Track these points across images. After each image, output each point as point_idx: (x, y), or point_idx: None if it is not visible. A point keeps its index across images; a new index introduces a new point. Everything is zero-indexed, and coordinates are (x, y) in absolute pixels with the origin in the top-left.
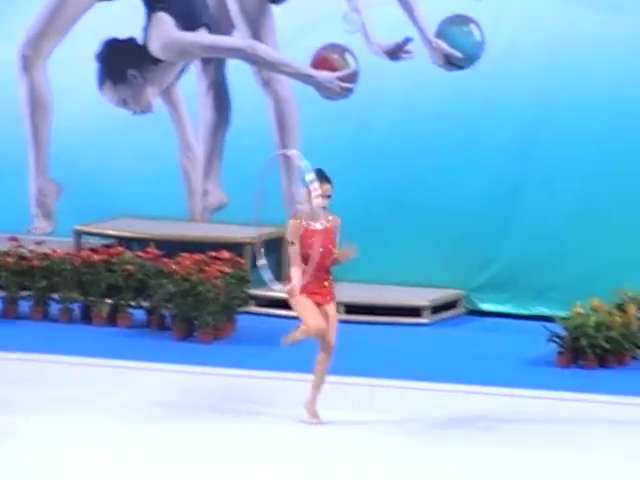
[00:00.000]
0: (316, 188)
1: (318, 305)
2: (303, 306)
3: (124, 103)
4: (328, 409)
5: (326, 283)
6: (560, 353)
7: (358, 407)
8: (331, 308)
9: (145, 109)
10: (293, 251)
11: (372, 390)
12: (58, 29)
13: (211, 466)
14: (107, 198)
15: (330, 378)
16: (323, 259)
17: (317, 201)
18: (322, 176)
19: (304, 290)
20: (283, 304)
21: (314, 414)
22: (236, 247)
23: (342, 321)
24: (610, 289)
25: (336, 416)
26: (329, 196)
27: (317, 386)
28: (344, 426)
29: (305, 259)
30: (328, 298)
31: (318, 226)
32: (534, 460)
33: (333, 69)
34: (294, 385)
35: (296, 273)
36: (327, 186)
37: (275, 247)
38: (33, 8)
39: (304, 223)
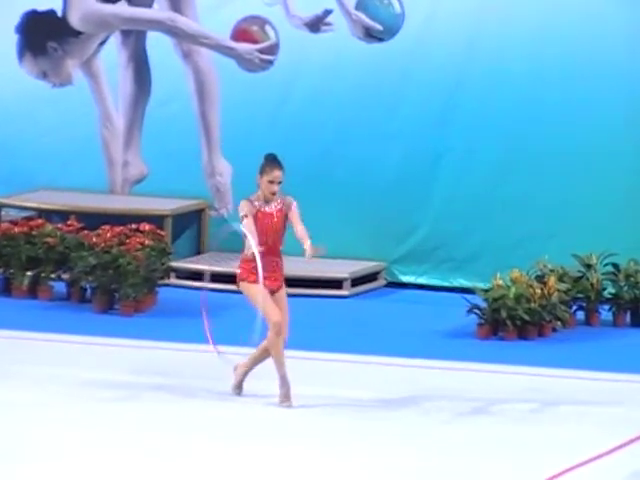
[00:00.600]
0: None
1: (271, 292)
2: (259, 297)
3: (44, 75)
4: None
5: (277, 266)
6: (480, 325)
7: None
8: (283, 293)
9: (65, 81)
10: (248, 222)
11: (290, 362)
12: None
13: (138, 438)
14: (27, 170)
15: (246, 350)
16: (275, 242)
17: (268, 186)
18: (273, 162)
19: (252, 270)
20: (201, 277)
21: (239, 385)
22: (157, 219)
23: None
24: (530, 260)
25: (251, 388)
26: (280, 182)
27: (255, 360)
28: (260, 399)
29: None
30: (280, 282)
31: (268, 209)
32: (450, 432)
33: (253, 41)
34: (212, 357)
35: (253, 240)
36: (278, 172)
37: (195, 219)
38: None
39: (256, 204)
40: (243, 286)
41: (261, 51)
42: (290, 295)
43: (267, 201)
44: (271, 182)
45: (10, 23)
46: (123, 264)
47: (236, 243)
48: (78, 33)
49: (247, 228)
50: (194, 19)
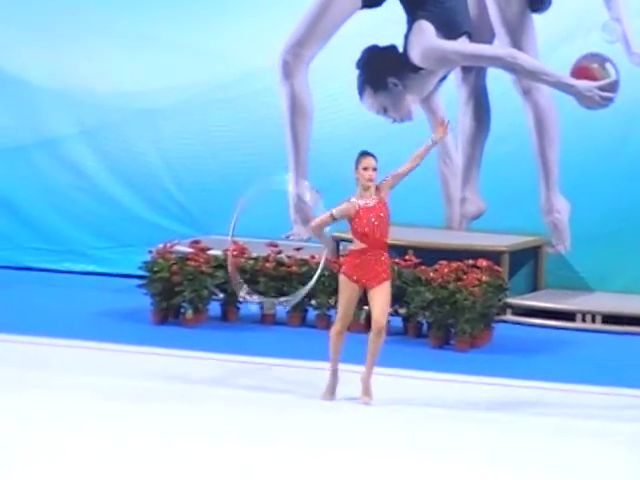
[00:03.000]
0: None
1: (368, 288)
2: (342, 295)
3: (384, 111)
4: (589, 418)
5: (382, 258)
6: None
7: (615, 417)
8: (384, 287)
9: (405, 117)
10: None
11: (631, 400)
12: (320, 36)
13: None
14: None
15: (586, 388)
16: (380, 235)
17: (362, 174)
18: (364, 153)
19: (357, 266)
20: (540, 313)
21: (366, 391)
22: (494, 255)
23: (599, 331)
24: None
25: (593, 424)
26: (375, 169)
27: (368, 364)
28: (606, 435)
29: (363, 237)
30: (383, 277)
31: (369, 203)
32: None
33: (593, 78)
34: (545, 394)
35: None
36: (370, 159)
37: (532, 256)
38: (295, 15)
39: (359, 202)
40: (341, 278)
41: (601, 88)
42: (627, 333)
43: (365, 195)
44: (365, 169)
45: (352, 58)
46: (460, 299)
47: (573, 280)
48: (418, 69)
49: (319, 221)
50: (534, 56)
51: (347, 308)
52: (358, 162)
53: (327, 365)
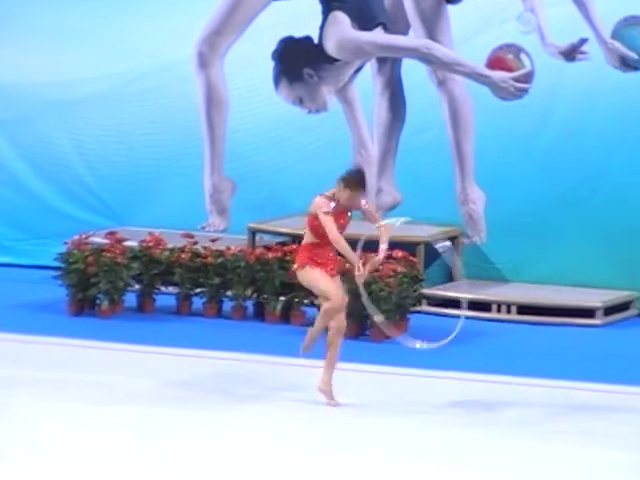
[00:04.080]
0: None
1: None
2: (320, 280)
3: (300, 102)
4: (501, 409)
5: (331, 254)
6: None
7: (532, 407)
8: (337, 279)
9: (321, 108)
10: (329, 221)
11: (540, 391)
12: (235, 27)
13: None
14: (281, 196)
15: (504, 378)
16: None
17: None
18: (359, 184)
19: (312, 257)
20: (456, 304)
21: (331, 395)
22: (409, 246)
23: (514, 322)
24: None
25: (505, 414)
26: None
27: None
28: (517, 425)
29: (321, 238)
30: (334, 268)
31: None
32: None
33: (509, 69)
34: (460, 384)
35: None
36: (364, 195)
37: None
38: (211, 6)
39: (332, 206)
40: (305, 269)
41: (516, 79)
42: (542, 324)
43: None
44: (355, 199)
45: (267, 49)
46: (375, 290)
47: (489, 271)
48: (334, 60)
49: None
50: (449, 47)
51: (330, 283)
52: (354, 189)
53: (244, 356)
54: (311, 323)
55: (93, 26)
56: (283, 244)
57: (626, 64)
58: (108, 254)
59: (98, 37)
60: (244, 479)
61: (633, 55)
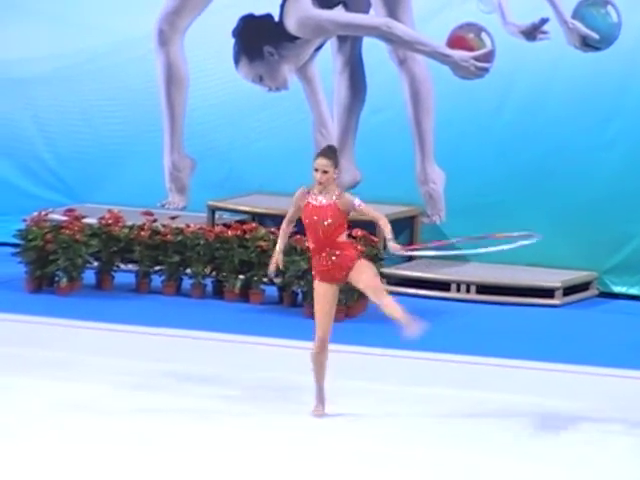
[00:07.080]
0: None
1: (331, 282)
2: (316, 306)
3: (260, 80)
4: (461, 388)
5: (334, 258)
6: None
7: (486, 387)
8: (360, 264)
9: (281, 86)
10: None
11: (501, 371)
12: (195, 5)
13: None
14: (241, 174)
15: (459, 357)
16: (328, 235)
17: (314, 175)
18: (321, 152)
19: (315, 268)
20: (415, 283)
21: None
22: (369, 225)
23: (474, 301)
24: None
25: (464, 394)
26: (325, 171)
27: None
28: (475, 405)
29: (305, 229)
30: (344, 272)
31: (318, 203)
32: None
33: (469, 48)
34: (415, 363)
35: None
36: (321, 160)
37: (407, 226)
38: None
39: (309, 195)
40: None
41: (477, 58)
42: (501, 303)
43: (321, 194)
44: (316, 170)
45: (227, 27)
46: None
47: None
48: (294, 38)
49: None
50: (410, 25)
51: (320, 312)
52: (313, 162)
53: (200, 334)
54: (271, 301)
55: (52, 4)
56: (242, 222)
57: (587, 44)
58: (67, 231)
59: (57, 15)
60: (187, 453)
61: (594, 35)
